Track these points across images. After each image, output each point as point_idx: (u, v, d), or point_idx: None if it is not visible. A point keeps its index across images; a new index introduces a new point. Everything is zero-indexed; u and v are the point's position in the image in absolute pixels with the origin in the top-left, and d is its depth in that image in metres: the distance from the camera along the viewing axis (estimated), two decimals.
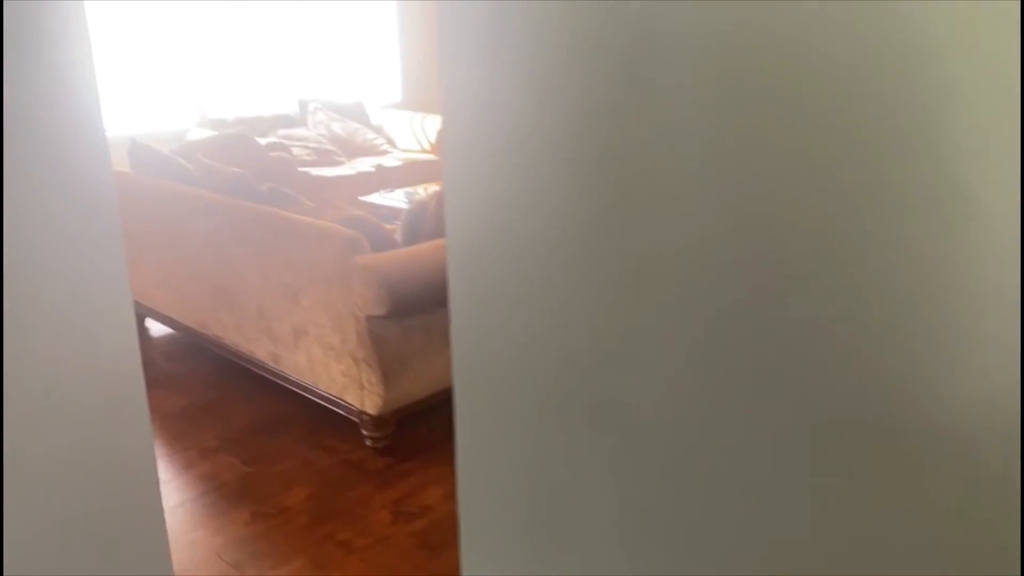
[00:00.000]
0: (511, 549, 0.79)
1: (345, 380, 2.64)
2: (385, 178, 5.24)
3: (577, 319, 0.64)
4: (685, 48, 0.53)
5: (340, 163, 5.37)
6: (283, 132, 5.39)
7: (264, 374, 3.02)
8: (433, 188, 4.67)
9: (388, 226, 3.14)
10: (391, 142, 5.89)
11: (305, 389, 2.86)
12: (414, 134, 5.84)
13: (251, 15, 5.71)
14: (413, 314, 2.56)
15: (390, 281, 2.41)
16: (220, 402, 3.05)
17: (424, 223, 2.73)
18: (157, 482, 1.50)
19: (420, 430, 2.80)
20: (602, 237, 0.60)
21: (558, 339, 0.67)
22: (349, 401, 2.66)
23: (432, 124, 5.77)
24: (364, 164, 5.37)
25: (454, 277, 0.74)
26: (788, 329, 0.54)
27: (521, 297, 0.68)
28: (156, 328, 3.68)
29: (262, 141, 4.87)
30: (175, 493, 2.49)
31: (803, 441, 0.56)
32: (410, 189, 4.72)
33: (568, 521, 0.72)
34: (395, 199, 4.51)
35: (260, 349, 2.95)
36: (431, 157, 5.66)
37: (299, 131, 5.49)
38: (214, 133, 4.96)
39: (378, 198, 4.60)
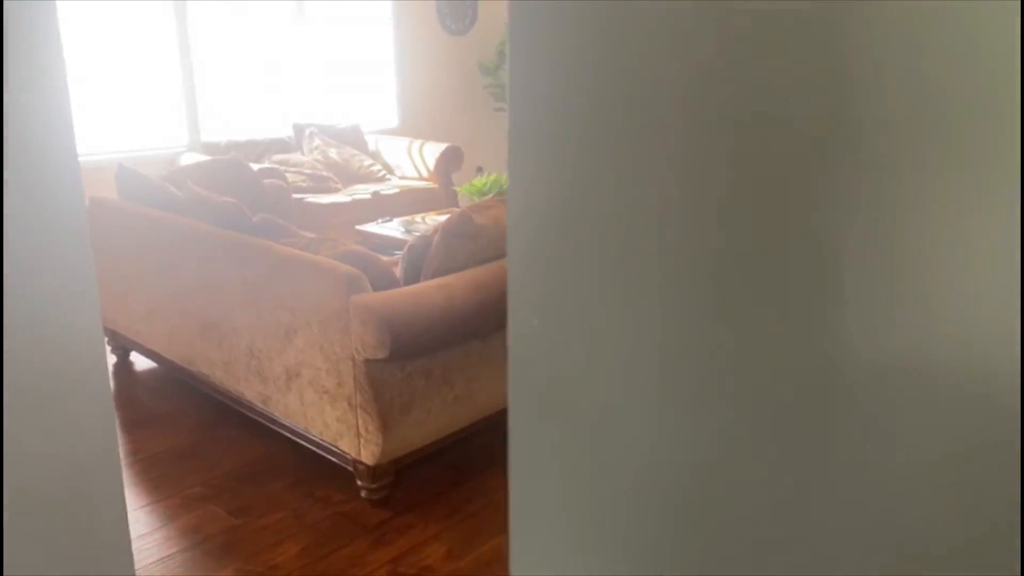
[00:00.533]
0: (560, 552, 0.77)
1: (340, 426, 2.47)
2: (382, 206, 5.10)
3: (642, 325, 0.64)
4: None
5: (336, 190, 5.23)
6: (278, 157, 5.25)
7: (253, 416, 2.85)
8: (433, 218, 4.52)
9: (386, 258, 2.99)
10: (388, 169, 5.75)
11: (296, 434, 2.69)
12: (412, 161, 5.71)
13: (246, 37, 5.58)
14: (414, 357, 2.40)
15: (392, 323, 2.25)
16: (206, 444, 2.87)
17: (427, 259, 2.58)
18: (128, 541, 1.34)
19: (419, 480, 2.63)
20: (669, 240, 0.60)
21: (622, 348, 0.66)
22: (344, 449, 2.49)
23: (431, 151, 5.64)
24: (361, 191, 5.23)
25: (514, 280, 0.76)
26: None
27: (582, 301, 0.67)
28: (141, 362, 3.50)
29: (256, 167, 4.72)
30: (155, 548, 2.31)
31: None
32: (408, 219, 4.58)
33: (621, 531, 0.72)
34: (393, 229, 4.36)
35: (249, 389, 2.78)
36: (430, 185, 5.52)
37: (294, 156, 5.35)
38: (207, 157, 4.81)
39: (375, 227, 4.45)
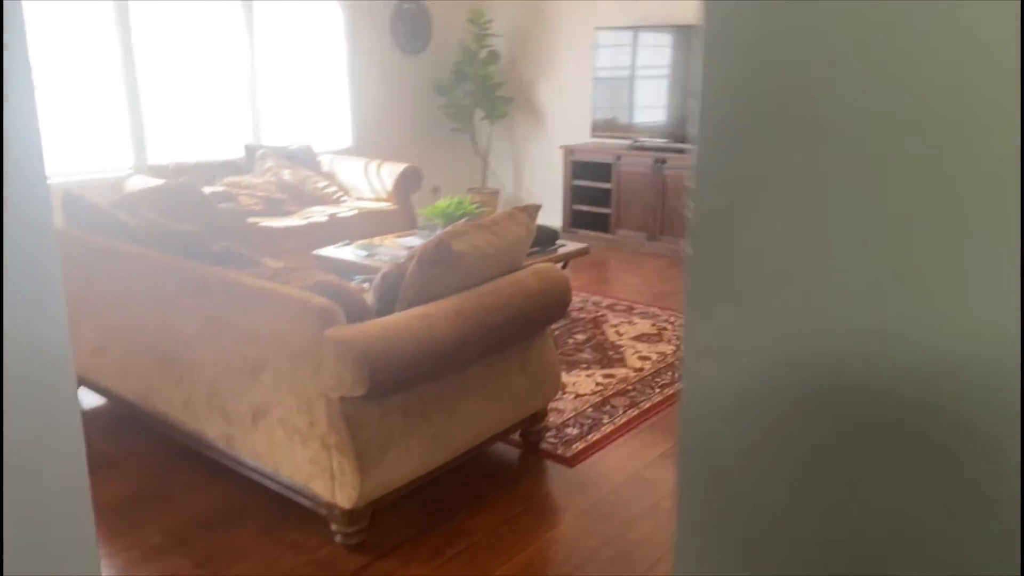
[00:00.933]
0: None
1: (312, 468, 2.32)
2: (339, 229, 4.95)
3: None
4: None
5: (291, 213, 5.06)
6: (229, 179, 5.06)
7: (215, 457, 2.68)
8: (394, 241, 4.39)
9: (351, 284, 2.85)
10: (344, 190, 5.60)
11: (264, 476, 2.53)
12: (369, 182, 5.57)
13: (193, 56, 5.39)
14: (393, 393, 2.27)
15: (370, 357, 2.12)
16: (165, 489, 2.69)
17: (403, 288, 2.45)
18: None
19: (397, 522, 2.50)
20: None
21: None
22: (317, 491, 2.34)
23: (389, 171, 5.51)
24: (316, 214, 5.07)
25: (692, 278, 0.77)
26: None
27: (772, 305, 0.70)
28: (89, 399, 3.29)
29: (208, 190, 4.54)
30: None
31: None
32: (368, 242, 4.44)
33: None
34: (353, 253, 4.22)
35: (211, 429, 2.62)
36: (388, 206, 5.39)
37: (246, 178, 5.16)
38: (154, 181, 4.60)
39: (334, 251, 4.30)
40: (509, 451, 2.96)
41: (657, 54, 6.15)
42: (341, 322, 2.22)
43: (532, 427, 2.93)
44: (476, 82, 6.63)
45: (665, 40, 6.08)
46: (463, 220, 2.70)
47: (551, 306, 2.73)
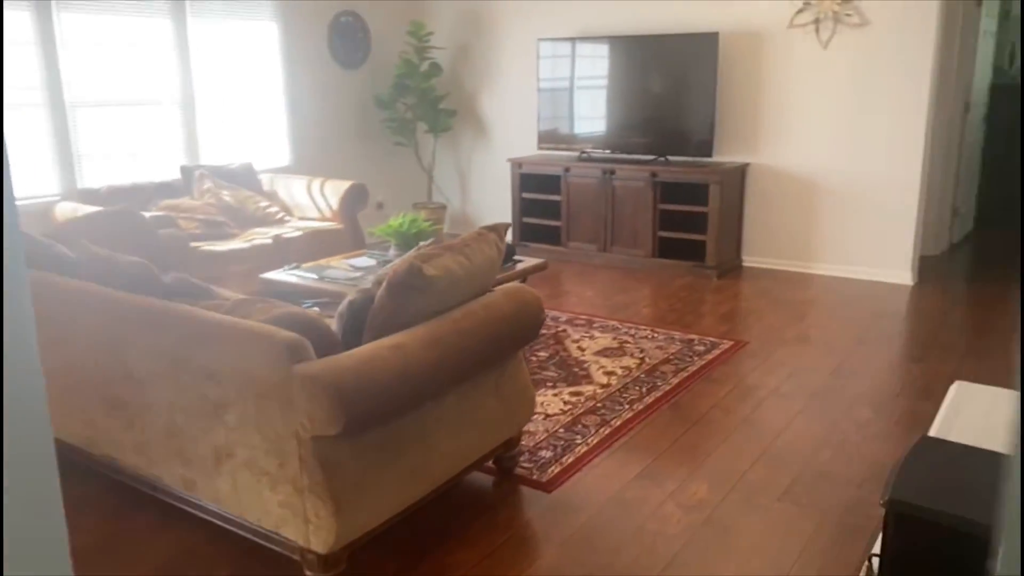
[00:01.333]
0: None
1: (283, 512, 2.18)
2: (286, 251, 4.77)
3: None
4: None
5: (233, 236, 4.86)
6: (166, 203, 4.84)
7: (173, 502, 2.51)
8: (343, 262, 4.24)
9: (308, 310, 2.71)
10: (287, 210, 5.42)
11: (229, 521, 2.37)
12: (313, 201, 5.40)
13: (123, 73, 5.15)
14: (368, 429, 2.15)
15: (344, 393, 1.99)
16: (118, 539, 2.51)
17: (371, 315, 2.33)
18: None
19: (374, 564, 2.36)
20: None
21: None
22: (288, 536, 2.20)
23: (333, 189, 5.35)
24: (260, 236, 4.88)
25: None
26: None
27: None
28: None
29: (145, 215, 4.32)
30: None
31: None
32: (318, 264, 4.28)
33: None
34: (302, 276, 4.05)
35: (169, 473, 2.45)
36: (334, 226, 5.23)
37: (184, 201, 4.95)
38: (85, 207, 4.36)
39: (283, 275, 4.12)
40: (483, 479, 2.85)
41: (596, 64, 6.14)
42: (310, 356, 2.08)
43: (507, 452, 2.83)
44: (418, 95, 6.52)
45: (602, 51, 6.07)
46: (431, 242, 2.59)
47: (525, 327, 2.64)
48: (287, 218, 5.30)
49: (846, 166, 5.46)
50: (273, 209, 5.29)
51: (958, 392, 2.55)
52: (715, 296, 5.22)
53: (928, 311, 4.87)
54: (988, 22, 6.32)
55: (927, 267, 5.76)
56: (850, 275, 5.59)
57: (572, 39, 6.14)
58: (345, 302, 2.42)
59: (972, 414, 2.41)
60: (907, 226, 5.34)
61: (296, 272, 4.13)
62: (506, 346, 2.59)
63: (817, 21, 5.37)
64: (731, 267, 5.83)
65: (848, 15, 5.26)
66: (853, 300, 5.09)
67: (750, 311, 4.89)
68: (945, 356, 4.07)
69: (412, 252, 2.53)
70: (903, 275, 5.41)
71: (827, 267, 5.67)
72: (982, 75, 6.46)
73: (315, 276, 4.05)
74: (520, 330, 2.62)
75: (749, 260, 5.98)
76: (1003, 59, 7.77)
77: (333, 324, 2.44)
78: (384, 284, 2.34)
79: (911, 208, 5.31)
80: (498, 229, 2.63)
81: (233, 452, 2.24)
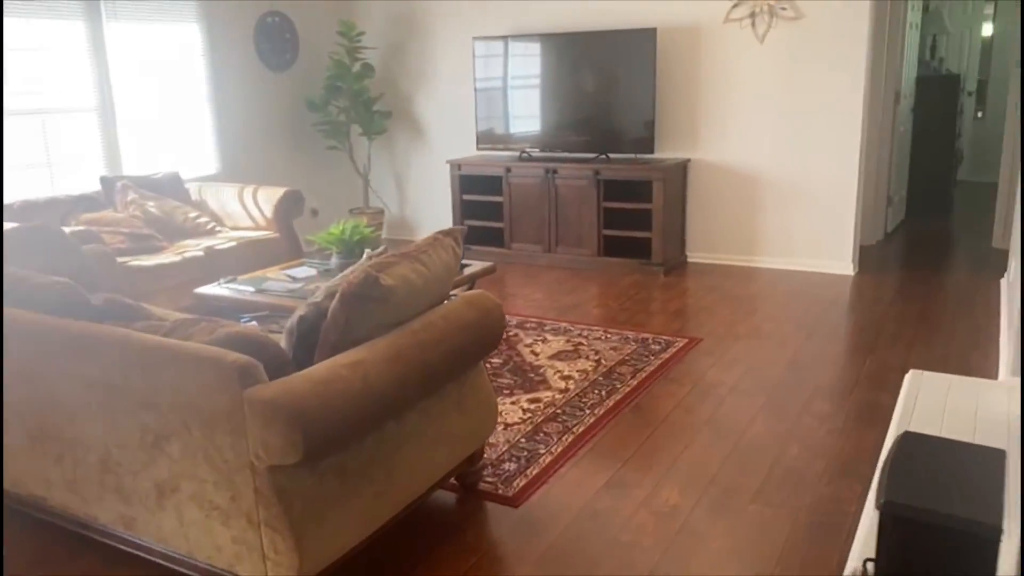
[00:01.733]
0: None
1: (238, 548, 2.00)
2: (219, 263, 4.54)
3: None
4: None
5: (162, 249, 4.60)
6: (87, 216, 4.54)
7: (110, 542, 2.30)
8: (280, 272, 4.04)
9: (246, 325, 2.53)
10: (217, 220, 5.17)
11: (175, 561, 2.18)
12: (245, 209, 5.16)
13: (33, 75, 4.83)
14: (327, 455, 1.98)
15: (302, 418, 1.83)
16: None
17: (324, 331, 2.17)
18: None
19: None
20: None
21: None
22: (244, 574, 2.02)
23: (266, 197, 5.12)
24: (191, 248, 4.63)
25: None
26: None
27: None
28: None
29: (66, 230, 4.03)
30: None
31: None
32: (254, 276, 4.06)
33: None
34: (238, 289, 3.84)
35: (105, 512, 2.24)
36: (268, 235, 5.00)
37: (107, 214, 4.66)
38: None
39: (216, 289, 3.90)
40: (446, 496, 2.71)
41: (530, 63, 6.04)
42: (262, 380, 1.91)
43: (470, 467, 2.69)
44: (351, 97, 6.32)
45: (535, 49, 5.98)
46: (382, 250, 2.44)
47: (487, 336, 2.51)
48: (218, 228, 5.05)
49: (786, 159, 5.49)
50: (203, 219, 5.03)
51: (912, 381, 2.52)
52: (664, 293, 5.17)
53: (871, 300, 4.91)
54: (913, 14, 6.44)
55: (865, 257, 5.84)
56: (793, 267, 5.62)
57: (505, 37, 6.03)
58: (295, 317, 2.25)
59: (930, 404, 2.38)
60: (847, 216, 5.39)
61: (232, 285, 3.91)
62: (469, 356, 2.45)
63: (753, 15, 5.38)
64: (677, 263, 5.80)
65: (783, 9, 5.28)
66: (799, 292, 5.10)
67: (700, 307, 4.86)
68: (894, 345, 4.09)
69: (365, 261, 2.37)
70: (844, 266, 5.46)
71: (771, 260, 5.69)
72: (910, 66, 6.59)
73: (252, 289, 3.84)
74: (483, 339, 2.49)
75: (694, 256, 5.96)
76: (924, 51, 7.98)
77: (281, 341, 2.27)
78: (337, 296, 2.18)
79: (850, 198, 5.37)
80: (454, 234, 2.49)
81: (178, 486, 2.05)
